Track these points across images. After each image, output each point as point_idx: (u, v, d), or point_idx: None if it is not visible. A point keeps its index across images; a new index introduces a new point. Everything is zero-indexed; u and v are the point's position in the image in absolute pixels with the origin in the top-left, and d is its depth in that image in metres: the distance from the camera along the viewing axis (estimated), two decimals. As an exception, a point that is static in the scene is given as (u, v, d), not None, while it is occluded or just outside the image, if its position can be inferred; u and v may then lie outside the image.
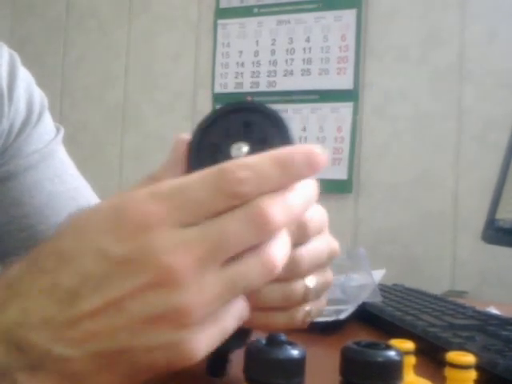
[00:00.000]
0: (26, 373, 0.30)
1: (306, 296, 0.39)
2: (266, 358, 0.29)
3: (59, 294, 0.31)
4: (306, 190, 0.33)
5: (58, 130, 0.70)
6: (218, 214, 0.30)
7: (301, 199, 0.32)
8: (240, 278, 0.30)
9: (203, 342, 0.30)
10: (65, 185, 0.67)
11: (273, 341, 0.30)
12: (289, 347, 0.30)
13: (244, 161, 0.31)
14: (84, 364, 0.30)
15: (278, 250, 0.31)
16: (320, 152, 0.31)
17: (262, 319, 0.38)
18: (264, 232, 0.30)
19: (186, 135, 0.38)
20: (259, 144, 0.34)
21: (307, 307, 0.39)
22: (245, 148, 0.35)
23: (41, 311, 0.31)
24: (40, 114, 0.67)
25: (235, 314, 0.32)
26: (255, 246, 0.31)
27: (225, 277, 0.30)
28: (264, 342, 0.30)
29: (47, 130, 0.68)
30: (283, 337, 0.30)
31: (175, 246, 0.29)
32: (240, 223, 0.30)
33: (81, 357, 0.30)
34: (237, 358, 0.33)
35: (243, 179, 0.30)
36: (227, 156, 0.34)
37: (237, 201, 0.30)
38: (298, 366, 0.30)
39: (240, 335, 0.35)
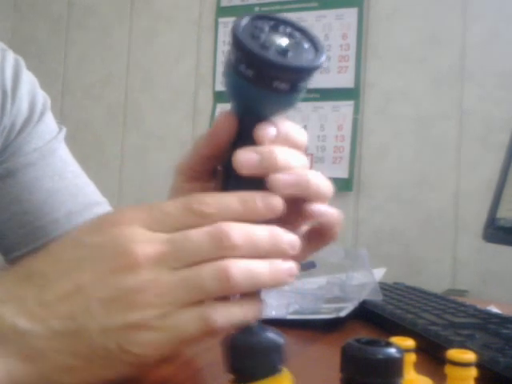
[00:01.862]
0: None
1: None
2: (238, 344, 0.31)
3: (33, 278, 0.34)
4: (273, 229, 0.35)
5: (60, 129, 0.71)
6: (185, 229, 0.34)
7: (264, 232, 0.35)
8: (194, 281, 0.33)
9: (153, 333, 0.32)
10: (64, 182, 0.67)
11: (247, 329, 0.31)
12: (265, 332, 0.31)
13: (211, 194, 0.35)
14: (46, 341, 0.32)
15: (235, 264, 0.33)
16: (277, 201, 0.35)
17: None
18: (221, 246, 0.33)
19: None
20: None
21: None
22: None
23: (12, 290, 0.34)
24: (42, 114, 0.67)
25: (193, 321, 0.33)
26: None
27: (180, 276, 0.33)
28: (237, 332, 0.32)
29: (49, 129, 0.68)
30: (259, 324, 0.32)
31: (141, 239, 0.33)
32: (201, 235, 0.33)
33: (44, 334, 0.32)
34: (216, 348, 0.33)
35: (209, 202, 0.34)
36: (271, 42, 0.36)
37: (200, 219, 0.34)
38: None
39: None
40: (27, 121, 0.66)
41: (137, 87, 2.40)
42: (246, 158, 0.36)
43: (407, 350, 0.33)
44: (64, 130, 0.71)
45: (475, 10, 1.92)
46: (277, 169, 0.36)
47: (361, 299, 0.65)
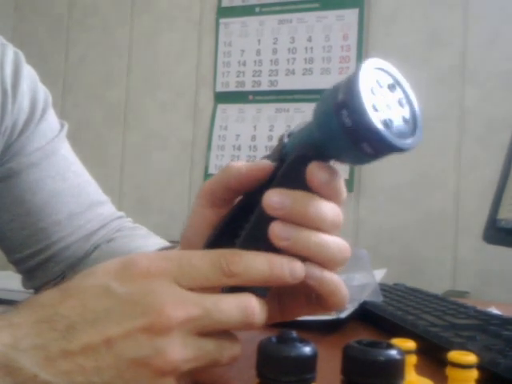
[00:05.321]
0: None
1: None
2: (278, 355, 0.30)
3: (56, 324, 0.32)
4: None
5: (62, 125, 0.70)
6: (213, 289, 0.35)
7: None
8: (214, 354, 0.34)
9: None
10: (67, 182, 0.67)
11: (284, 338, 0.30)
12: (300, 344, 0.30)
13: (240, 252, 0.35)
14: None
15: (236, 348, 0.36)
16: (301, 268, 0.36)
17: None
18: (247, 320, 0.34)
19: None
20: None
21: None
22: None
23: (34, 337, 0.32)
24: (43, 112, 0.67)
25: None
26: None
27: (205, 346, 0.34)
28: (275, 339, 0.30)
29: (50, 127, 0.68)
30: (294, 334, 0.30)
31: (175, 299, 0.33)
32: (232, 305, 0.34)
33: None
34: (249, 355, 0.33)
35: (238, 262, 0.34)
36: None
37: (227, 279, 0.34)
38: (310, 362, 0.30)
39: None
40: (29, 119, 0.65)
41: (138, 87, 2.40)
42: (276, 201, 0.36)
43: (408, 352, 0.33)
44: (66, 126, 0.70)
45: (476, 11, 1.91)
46: (303, 220, 0.36)
47: (361, 300, 0.65)
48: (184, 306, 0.32)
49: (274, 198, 0.36)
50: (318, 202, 0.37)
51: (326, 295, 0.38)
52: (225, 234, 0.41)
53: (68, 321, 0.32)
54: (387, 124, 0.33)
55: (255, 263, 0.35)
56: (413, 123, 0.35)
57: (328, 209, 0.38)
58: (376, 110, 0.33)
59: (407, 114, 0.35)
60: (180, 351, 0.32)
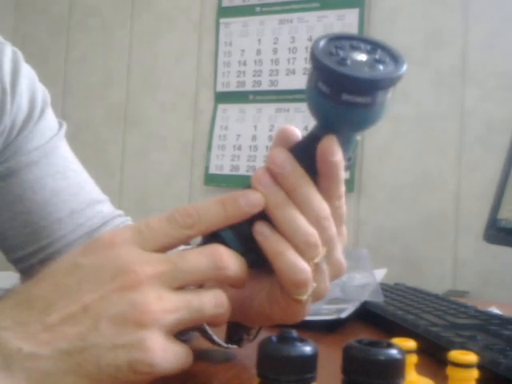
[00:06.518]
0: None
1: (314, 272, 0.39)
2: (278, 354, 0.30)
3: (33, 303, 0.33)
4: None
5: (60, 125, 0.70)
6: (176, 245, 0.36)
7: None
8: (194, 302, 0.35)
9: (162, 347, 0.33)
10: (67, 181, 0.67)
11: (284, 337, 0.30)
12: (300, 344, 0.30)
13: (195, 203, 0.37)
14: (52, 363, 0.32)
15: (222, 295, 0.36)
16: (258, 198, 0.37)
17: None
18: (216, 266, 0.35)
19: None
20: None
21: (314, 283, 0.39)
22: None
23: (15, 316, 0.33)
24: (42, 111, 0.67)
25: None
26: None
27: (181, 296, 0.34)
28: (275, 338, 0.30)
29: (49, 125, 0.68)
30: (294, 333, 0.30)
31: (139, 259, 0.34)
32: (198, 254, 0.35)
33: (50, 355, 0.32)
34: (249, 354, 0.33)
35: (191, 212, 0.36)
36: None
37: (187, 230, 0.36)
38: (310, 362, 0.30)
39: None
40: (28, 119, 0.65)
41: (138, 87, 2.40)
42: (280, 160, 0.37)
43: (409, 351, 0.33)
44: (64, 125, 0.70)
45: (476, 11, 1.91)
46: (291, 194, 0.37)
47: (362, 300, 0.65)
48: (150, 263, 0.34)
49: (280, 156, 0.37)
50: (312, 187, 0.38)
51: (271, 259, 0.37)
52: None
53: (44, 299, 0.34)
54: (359, 67, 0.35)
55: (208, 207, 0.36)
56: (393, 61, 0.37)
57: (317, 198, 0.38)
58: (342, 64, 0.35)
59: (384, 58, 0.37)
60: (155, 302, 0.33)
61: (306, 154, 0.38)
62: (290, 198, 0.37)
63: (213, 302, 0.35)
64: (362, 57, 0.36)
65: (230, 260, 0.36)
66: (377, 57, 0.37)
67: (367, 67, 0.35)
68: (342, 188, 0.40)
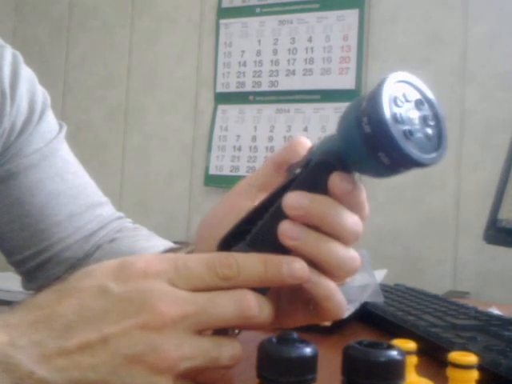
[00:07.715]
0: None
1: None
2: (278, 355, 0.30)
3: (53, 323, 0.32)
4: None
5: (60, 127, 0.70)
6: (206, 290, 0.34)
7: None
8: (212, 353, 0.34)
9: None
10: (66, 183, 0.67)
11: (284, 339, 0.30)
12: (300, 345, 0.30)
13: (235, 254, 0.35)
14: None
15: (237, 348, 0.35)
16: (302, 268, 0.35)
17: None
18: (244, 314, 0.34)
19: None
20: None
21: None
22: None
23: (31, 336, 0.32)
24: (42, 113, 0.67)
25: None
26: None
27: (201, 344, 0.34)
28: (275, 340, 0.30)
29: (49, 128, 0.68)
30: (295, 335, 0.30)
31: (170, 297, 0.33)
32: (226, 300, 0.34)
33: (61, 383, 0.31)
34: (249, 355, 0.33)
35: (232, 265, 0.34)
36: None
37: (223, 282, 0.34)
38: (310, 363, 0.30)
39: None
40: (27, 121, 0.65)
41: (138, 88, 2.40)
42: (296, 202, 0.36)
43: (409, 353, 0.33)
44: (65, 127, 0.70)
45: (476, 11, 1.91)
46: (321, 225, 0.36)
47: (362, 301, 0.65)
48: (178, 303, 0.33)
49: (294, 198, 0.36)
50: (339, 207, 0.36)
51: (320, 301, 0.37)
52: (241, 230, 0.41)
53: (65, 320, 0.32)
54: (406, 135, 0.33)
55: (249, 265, 0.35)
56: (437, 142, 0.36)
57: (348, 216, 0.36)
58: (397, 120, 0.33)
59: (431, 132, 0.35)
60: (175, 348, 0.32)
61: (317, 180, 0.36)
62: (323, 227, 0.36)
63: (230, 353, 0.35)
64: (424, 129, 0.35)
65: (257, 309, 0.34)
66: (429, 131, 0.35)
67: (421, 143, 0.34)
68: (364, 200, 0.39)
